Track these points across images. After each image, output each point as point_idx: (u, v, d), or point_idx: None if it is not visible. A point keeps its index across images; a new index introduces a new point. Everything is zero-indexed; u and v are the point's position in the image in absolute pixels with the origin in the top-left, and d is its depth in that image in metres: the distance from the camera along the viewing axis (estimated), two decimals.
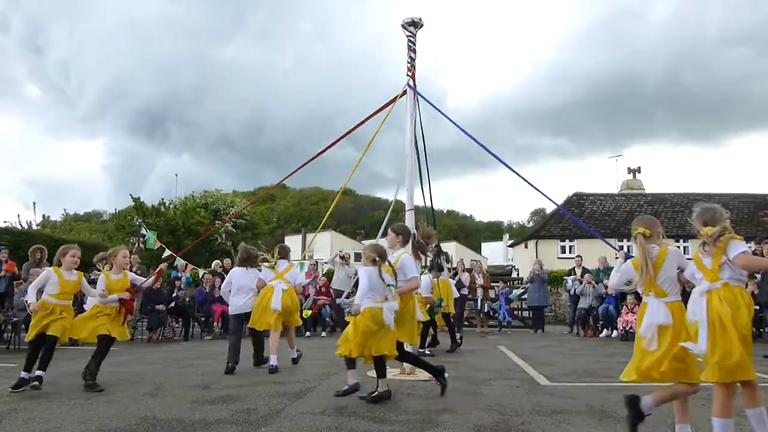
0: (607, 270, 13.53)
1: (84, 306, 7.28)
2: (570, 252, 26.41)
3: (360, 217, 64.12)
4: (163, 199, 25.78)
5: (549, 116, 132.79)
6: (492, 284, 14.55)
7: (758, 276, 9.94)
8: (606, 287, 12.88)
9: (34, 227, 25.43)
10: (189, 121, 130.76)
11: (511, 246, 37.53)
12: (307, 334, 12.32)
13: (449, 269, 11.99)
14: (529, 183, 6.70)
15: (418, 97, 7.15)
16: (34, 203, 75.29)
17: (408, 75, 7.11)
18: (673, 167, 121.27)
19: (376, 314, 4.82)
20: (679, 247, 22.66)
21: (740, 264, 3.23)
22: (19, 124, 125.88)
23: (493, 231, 69.02)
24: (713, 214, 3.41)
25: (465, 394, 5.38)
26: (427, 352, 8.62)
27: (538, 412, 4.59)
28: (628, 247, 19.72)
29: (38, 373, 5.37)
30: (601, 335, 12.62)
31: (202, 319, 12.30)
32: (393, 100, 7.20)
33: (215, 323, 12.31)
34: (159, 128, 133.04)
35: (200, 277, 12.65)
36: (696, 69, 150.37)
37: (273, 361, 6.77)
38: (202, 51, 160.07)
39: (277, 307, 6.80)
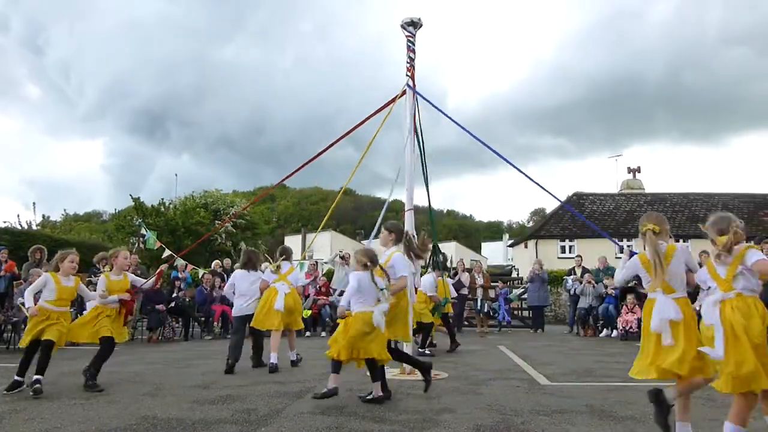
0: (607, 270, 13.53)
1: (85, 309, 7.26)
2: (570, 252, 26.43)
3: (360, 217, 64.04)
4: (163, 199, 25.85)
5: (549, 116, 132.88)
6: (492, 284, 14.55)
7: None
8: (606, 287, 12.89)
9: (34, 227, 25.43)
10: (189, 121, 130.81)
11: (511, 246, 37.53)
12: (307, 334, 12.33)
13: (448, 269, 12.01)
14: (531, 179, 6.67)
15: (418, 97, 7.15)
16: (34, 203, 75.31)
17: (407, 75, 7.11)
18: (673, 167, 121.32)
19: (368, 318, 4.82)
20: None
21: (759, 269, 3.22)
22: (19, 124, 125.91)
23: (493, 231, 69.01)
24: (729, 223, 3.40)
25: (465, 394, 5.38)
26: (427, 352, 8.63)
27: (538, 412, 4.59)
28: (629, 246, 19.67)
29: (36, 377, 5.24)
30: (601, 335, 12.62)
31: (202, 319, 12.31)
32: (393, 100, 7.20)
33: (215, 323, 12.32)
34: (159, 128, 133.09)
35: (200, 277, 12.65)
36: (696, 69, 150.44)
37: (273, 359, 6.81)
38: (202, 51, 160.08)
39: (281, 308, 6.86)
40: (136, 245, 19.78)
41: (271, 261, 7.40)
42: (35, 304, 5.46)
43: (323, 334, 12.76)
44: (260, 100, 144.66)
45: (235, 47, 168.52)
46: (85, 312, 6.10)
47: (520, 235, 44.54)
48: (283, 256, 7.38)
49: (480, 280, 13.80)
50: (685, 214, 27.73)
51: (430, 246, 6.20)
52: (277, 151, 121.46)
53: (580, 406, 4.81)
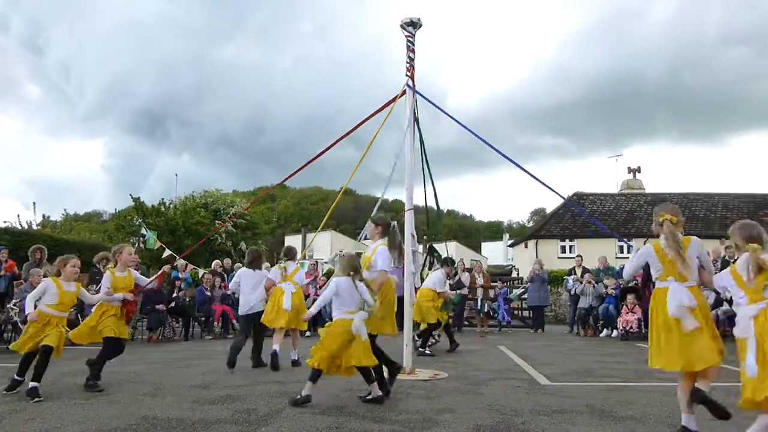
0: (608, 270, 13.55)
1: (85, 310, 7.25)
2: (570, 252, 26.42)
3: (360, 217, 63.91)
4: (163, 199, 25.85)
5: (549, 116, 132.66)
6: (492, 284, 14.56)
7: None
8: (606, 287, 12.90)
9: (34, 227, 25.41)
10: (189, 121, 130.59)
11: (511, 246, 37.51)
12: (308, 333, 12.31)
13: (454, 262, 12.01)
14: (533, 176, 6.64)
15: (418, 97, 7.15)
16: (34, 203, 75.14)
17: (407, 75, 7.11)
18: (673, 167, 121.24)
19: (347, 326, 4.79)
20: None
21: None
22: (19, 124, 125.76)
23: (493, 231, 68.99)
24: (759, 231, 3.37)
25: (465, 394, 5.38)
26: (427, 352, 8.62)
27: (538, 411, 4.59)
28: (630, 246, 19.74)
29: (33, 384, 5.08)
30: (601, 335, 12.62)
31: (202, 319, 12.31)
32: (393, 100, 7.20)
33: (215, 323, 12.32)
34: (159, 128, 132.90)
35: (200, 277, 12.65)
36: (696, 69, 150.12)
37: (276, 348, 6.94)
38: (202, 51, 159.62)
39: (289, 308, 6.96)
40: (137, 245, 19.76)
41: (274, 262, 7.46)
42: (35, 309, 5.38)
43: None
44: (260, 100, 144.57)
45: (235, 47, 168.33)
46: (85, 312, 6.09)
47: (520, 235, 44.54)
48: (288, 257, 7.45)
49: (480, 280, 13.80)
50: (685, 214, 27.55)
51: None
52: (277, 151, 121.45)
53: (580, 406, 4.81)
